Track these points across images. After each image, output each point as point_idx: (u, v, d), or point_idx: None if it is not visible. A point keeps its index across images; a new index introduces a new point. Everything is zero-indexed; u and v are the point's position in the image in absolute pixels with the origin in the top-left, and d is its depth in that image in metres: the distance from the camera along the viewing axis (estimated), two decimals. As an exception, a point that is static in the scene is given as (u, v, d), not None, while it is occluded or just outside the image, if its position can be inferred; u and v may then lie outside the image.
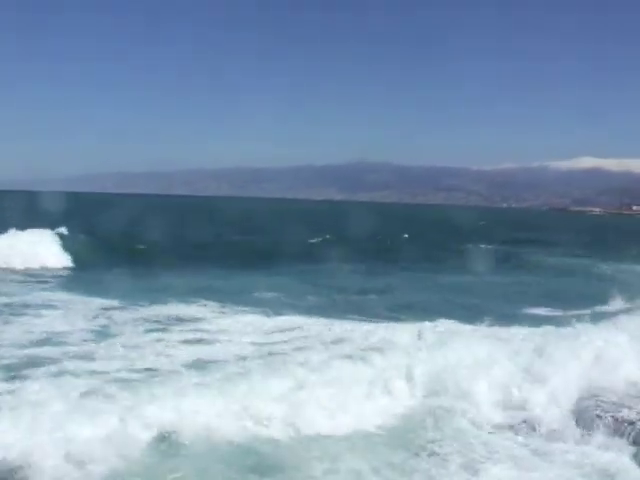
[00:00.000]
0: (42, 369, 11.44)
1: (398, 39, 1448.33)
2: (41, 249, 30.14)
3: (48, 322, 15.98)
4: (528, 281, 30.17)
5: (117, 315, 17.19)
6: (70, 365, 11.74)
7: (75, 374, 11.15)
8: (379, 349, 12.50)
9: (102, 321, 16.47)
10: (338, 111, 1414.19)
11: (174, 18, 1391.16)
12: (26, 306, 18.11)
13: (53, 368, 11.52)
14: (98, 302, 18.96)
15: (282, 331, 15.80)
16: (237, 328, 16.07)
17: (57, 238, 32.16)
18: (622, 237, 70.03)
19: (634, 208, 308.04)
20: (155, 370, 11.72)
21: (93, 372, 11.40)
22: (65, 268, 29.40)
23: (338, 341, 14.42)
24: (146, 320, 16.63)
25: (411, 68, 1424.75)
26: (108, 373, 11.33)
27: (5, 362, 12.00)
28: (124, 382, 10.52)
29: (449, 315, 17.33)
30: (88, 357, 12.49)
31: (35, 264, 28.73)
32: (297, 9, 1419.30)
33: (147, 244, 36.20)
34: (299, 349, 13.69)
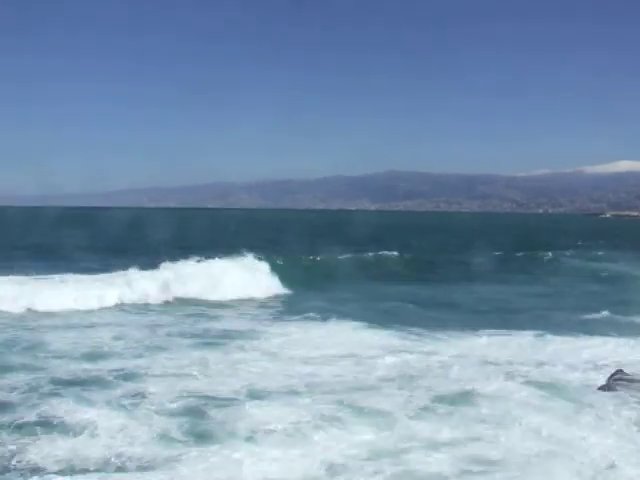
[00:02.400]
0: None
1: (425, 48, 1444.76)
2: (261, 275, 28.52)
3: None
4: None
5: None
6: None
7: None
8: None
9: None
10: (367, 121, 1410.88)
11: (190, 32, 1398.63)
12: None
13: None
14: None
15: None
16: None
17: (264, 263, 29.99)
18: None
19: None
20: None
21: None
22: (287, 295, 27.36)
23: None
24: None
25: (440, 77, 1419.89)
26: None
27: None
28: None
29: None
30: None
31: (263, 293, 26.97)
32: (326, 17, 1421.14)
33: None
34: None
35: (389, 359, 14.75)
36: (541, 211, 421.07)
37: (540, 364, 14.37)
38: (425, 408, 11.10)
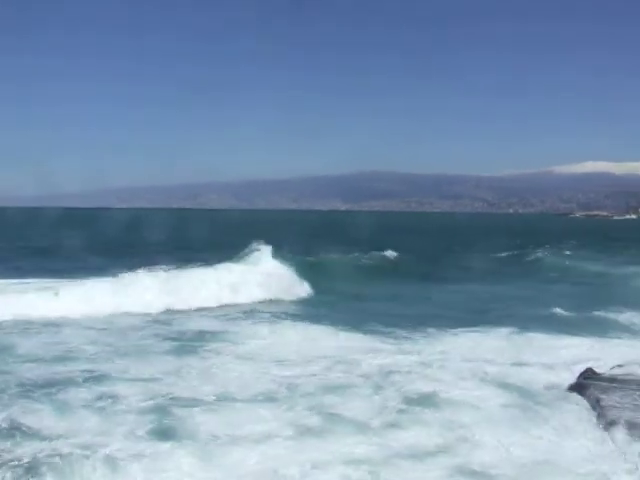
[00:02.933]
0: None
1: (401, 48, 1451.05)
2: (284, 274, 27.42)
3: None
4: None
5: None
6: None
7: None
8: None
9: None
10: (342, 121, 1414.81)
11: (165, 30, 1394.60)
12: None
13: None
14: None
15: None
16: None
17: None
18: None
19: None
20: None
21: None
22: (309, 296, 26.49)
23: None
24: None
25: (414, 77, 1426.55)
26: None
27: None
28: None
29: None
30: None
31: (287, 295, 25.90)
32: (300, 17, 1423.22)
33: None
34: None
35: (368, 361, 14.62)
36: (512, 211, 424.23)
37: (515, 364, 14.43)
38: (401, 411, 11.00)
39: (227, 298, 24.07)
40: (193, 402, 11.36)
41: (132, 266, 24.77)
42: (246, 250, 28.87)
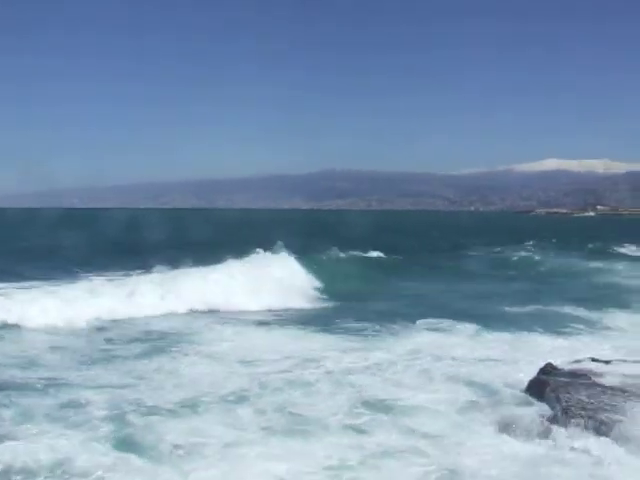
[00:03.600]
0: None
1: (363, 48, 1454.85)
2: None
3: None
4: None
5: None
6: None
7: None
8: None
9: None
10: (304, 120, 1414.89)
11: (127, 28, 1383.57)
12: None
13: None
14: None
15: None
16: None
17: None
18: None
19: (598, 207, 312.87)
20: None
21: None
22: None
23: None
24: None
25: (377, 77, 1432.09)
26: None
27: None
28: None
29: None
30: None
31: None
32: (267, 18, 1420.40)
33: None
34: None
35: (331, 361, 14.67)
36: (473, 209, 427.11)
37: (480, 361, 14.64)
38: (359, 415, 11.00)
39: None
40: (156, 408, 11.26)
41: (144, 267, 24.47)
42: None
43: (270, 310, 22.80)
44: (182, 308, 22.24)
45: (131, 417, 10.71)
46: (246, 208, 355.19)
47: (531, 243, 52.10)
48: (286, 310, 22.90)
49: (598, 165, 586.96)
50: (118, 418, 10.65)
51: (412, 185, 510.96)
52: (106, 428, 10.20)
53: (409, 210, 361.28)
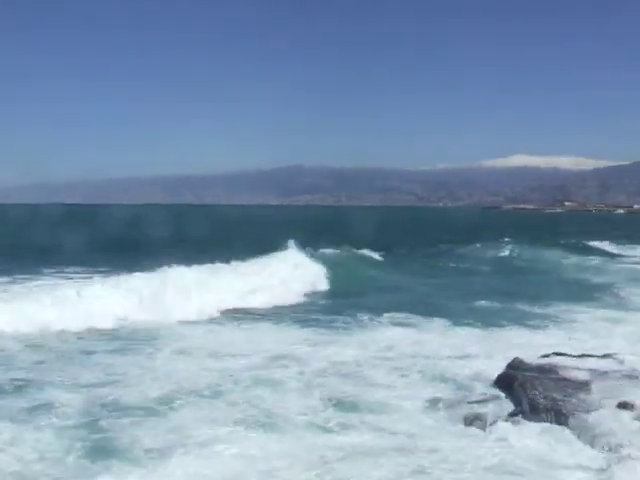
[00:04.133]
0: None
1: (332, 42, 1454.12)
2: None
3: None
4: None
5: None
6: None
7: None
8: None
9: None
10: (274, 116, 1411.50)
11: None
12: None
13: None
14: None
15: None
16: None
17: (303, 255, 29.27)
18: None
19: (566, 204, 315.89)
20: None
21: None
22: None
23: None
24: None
25: (345, 72, 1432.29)
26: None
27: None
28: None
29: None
30: None
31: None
32: (227, 13, 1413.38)
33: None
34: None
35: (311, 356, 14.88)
36: (441, 204, 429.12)
37: (448, 356, 14.81)
38: (329, 413, 11.05)
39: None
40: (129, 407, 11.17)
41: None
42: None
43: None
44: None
45: (103, 417, 10.59)
46: (215, 204, 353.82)
47: (507, 240, 52.18)
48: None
49: (565, 162, 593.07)
50: (90, 419, 10.50)
51: (380, 181, 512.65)
52: (74, 431, 9.99)
53: (379, 206, 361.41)
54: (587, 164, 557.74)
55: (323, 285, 27.12)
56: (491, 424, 10.31)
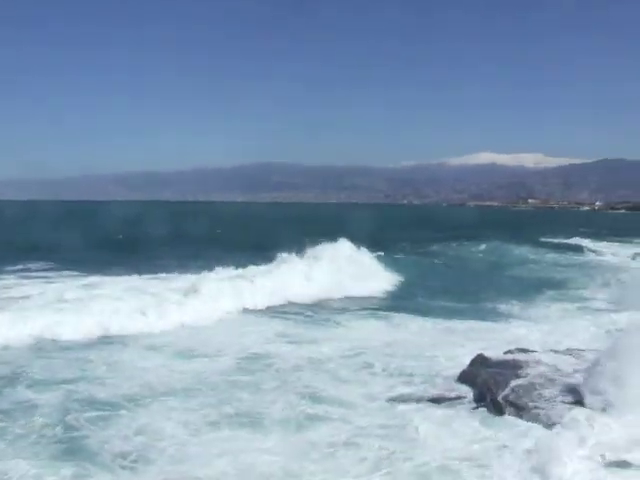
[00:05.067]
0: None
1: (302, 37, 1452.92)
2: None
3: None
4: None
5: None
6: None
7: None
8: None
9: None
10: (244, 111, 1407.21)
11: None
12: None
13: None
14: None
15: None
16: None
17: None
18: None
19: (530, 201, 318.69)
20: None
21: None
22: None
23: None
24: None
25: (314, 67, 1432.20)
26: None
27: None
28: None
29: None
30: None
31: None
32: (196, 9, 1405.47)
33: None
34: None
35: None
36: (406, 202, 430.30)
37: (415, 354, 14.98)
38: (302, 409, 11.13)
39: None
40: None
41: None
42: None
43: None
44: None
45: (73, 419, 10.43)
46: (183, 201, 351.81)
47: (483, 237, 51.78)
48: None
49: (530, 159, 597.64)
50: (59, 420, 10.34)
51: (348, 178, 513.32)
52: (39, 435, 9.82)
53: (346, 203, 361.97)
54: (551, 162, 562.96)
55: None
56: (454, 420, 10.43)
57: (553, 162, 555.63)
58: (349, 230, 32.96)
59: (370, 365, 13.99)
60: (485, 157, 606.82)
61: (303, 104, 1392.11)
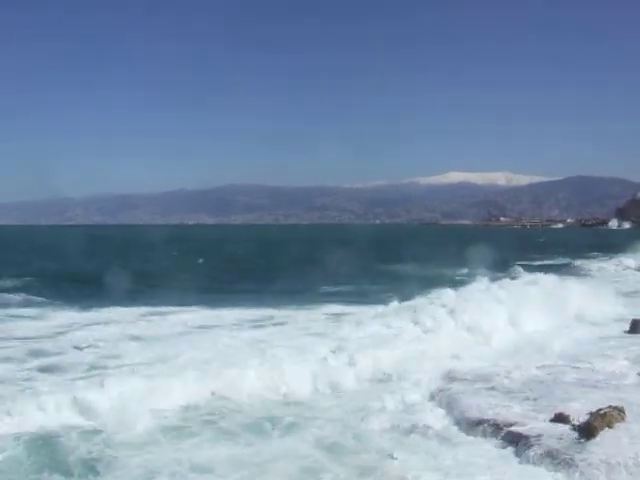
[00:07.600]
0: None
1: (270, 49, 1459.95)
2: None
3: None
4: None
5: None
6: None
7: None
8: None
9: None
10: (208, 135, 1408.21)
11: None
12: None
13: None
14: None
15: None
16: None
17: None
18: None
19: (502, 219, 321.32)
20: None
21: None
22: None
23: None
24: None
25: (280, 83, 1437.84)
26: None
27: None
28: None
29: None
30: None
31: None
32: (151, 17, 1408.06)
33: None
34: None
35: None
36: (378, 222, 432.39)
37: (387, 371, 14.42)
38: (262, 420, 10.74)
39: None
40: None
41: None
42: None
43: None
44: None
45: None
46: (154, 224, 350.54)
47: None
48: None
49: (500, 177, 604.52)
50: None
51: (318, 199, 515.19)
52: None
53: (319, 224, 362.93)
54: (522, 180, 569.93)
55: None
56: (426, 437, 9.91)
57: (524, 180, 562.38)
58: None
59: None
60: (455, 176, 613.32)
61: (271, 123, 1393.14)
